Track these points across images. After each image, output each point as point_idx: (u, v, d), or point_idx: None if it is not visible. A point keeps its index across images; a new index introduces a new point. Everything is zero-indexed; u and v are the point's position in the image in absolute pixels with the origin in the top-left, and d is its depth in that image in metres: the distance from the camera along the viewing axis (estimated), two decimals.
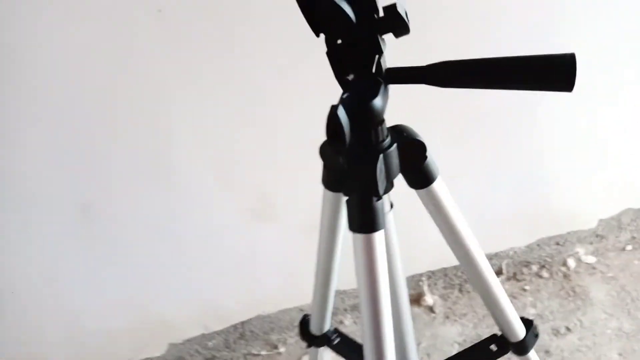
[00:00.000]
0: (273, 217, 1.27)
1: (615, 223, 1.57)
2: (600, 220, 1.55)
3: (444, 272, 1.54)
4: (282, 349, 1.46)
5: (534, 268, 1.57)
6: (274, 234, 1.30)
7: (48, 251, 1.22)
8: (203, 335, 1.43)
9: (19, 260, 1.22)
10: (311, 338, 0.67)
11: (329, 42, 0.37)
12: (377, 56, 0.40)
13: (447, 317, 1.50)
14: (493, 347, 0.60)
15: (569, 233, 1.55)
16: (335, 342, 0.66)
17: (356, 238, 0.42)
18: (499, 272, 1.57)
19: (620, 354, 1.30)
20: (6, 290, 1.25)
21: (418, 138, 0.44)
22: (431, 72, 0.40)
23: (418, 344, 1.42)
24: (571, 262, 1.57)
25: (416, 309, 1.54)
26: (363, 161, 0.41)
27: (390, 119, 0.44)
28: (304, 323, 0.68)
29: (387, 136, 0.42)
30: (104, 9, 0.98)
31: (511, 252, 1.56)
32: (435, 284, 1.56)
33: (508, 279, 1.57)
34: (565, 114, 1.33)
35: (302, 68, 1.06)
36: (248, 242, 1.29)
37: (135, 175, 1.17)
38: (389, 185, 0.45)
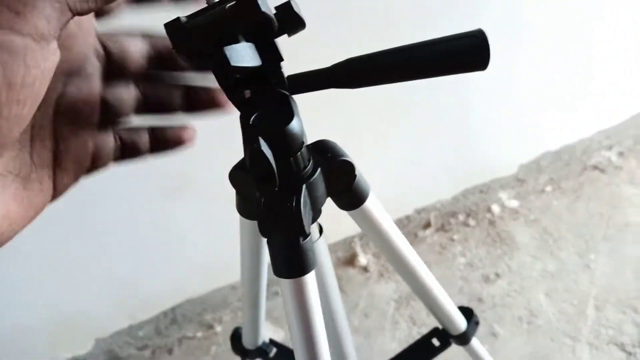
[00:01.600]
0: (189, 193, 1.18)
1: (535, 166, 1.61)
2: (521, 165, 1.59)
3: None
4: (218, 328, 1.41)
5: (461, 217, 1.60)
6: (192, 211, 1.21)
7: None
8: (131, 326, 1.34)
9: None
10: (244, 352, 0.62)
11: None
12: (278, 64, 0.33)
13: (382, 275, 1.51)
14: (435, 342, 0.58)
15: (491, 181, 1.58)
16: (272, 353, 0.62)
17: (283, 283, 0.36)
18: (427, 225, 1.59)
19: (546, 294, 1.36)
20: None
21: (345, 157, 0.38)
22: (337, 73, 0.33)
23: (355, 306, 1.42)
24: (495, 208, 1.61)
25: (351, 270, 1.53)
26: (283, 198, 0.34)
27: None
28: (236, 336, 0.63)
29: (308, 161, 0.36)
30: None
31: (438, 205, 1.57)
32: (368, 244, 1.55)
33: (437, 230, 1.59)
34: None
35: None
36: (167, 223, 1.20)
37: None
38: (317, 214, 0.39)
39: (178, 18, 0.30)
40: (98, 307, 1.29)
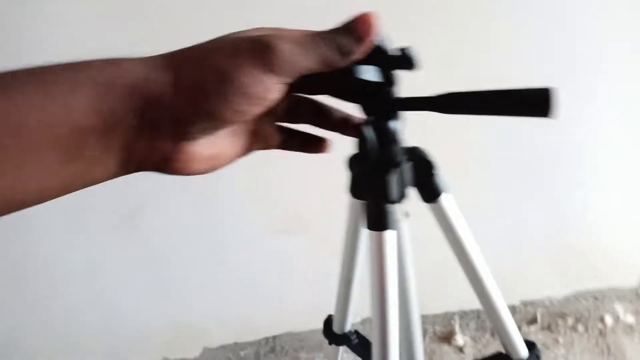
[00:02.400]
0: (305, 232, 1.35)
1: None
2: None
3: (477, 313, 1.56)
4: None
5: (570, 321, 1.56)
6: (305, 251, 1.37)
7: (96, 253, 1.35)
8: (236, 344, 1.51)
9: (69, 259, 1.36)
10: (332, 336, 0.74)
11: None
12: (391, 88, 0.49)
13: None
14: None
15: (608, 288, 1.54)
16: (354, 342, 0.73)
17: (370, 235, 0.49)
18: (533, 321, 1.57)
19: None
20: (55, 285, 1.38)
21: (428, 158, 0.52)
22: (437, 102, 0.48)
23: None
24: (608, 319, 1.55)
25: (446, 347, 1.56)
26: (380, 171, 0.49)
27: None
28: (328, 322, 0.75)
29: (403, 154, 0.50)
30: None
31: (547, 302, 1.56)
32: (467, 325, 1.58)
33: (542, 328, 1.57)
34: (612, 158, 1.35)
35: None
36: (280, 258, 1.37)
37: (179, 187, 1.28)
38: (402, 196, 0.53)
39: None
40: (213, 321, 1.48)
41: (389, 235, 0.49)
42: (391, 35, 0.50)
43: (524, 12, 1.17)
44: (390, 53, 0.47)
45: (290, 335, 1.52)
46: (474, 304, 1.52)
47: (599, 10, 1.18)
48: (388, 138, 0.49)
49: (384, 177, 0.49)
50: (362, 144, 0.47)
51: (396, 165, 0.49)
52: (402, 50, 0.48)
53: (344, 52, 0.35)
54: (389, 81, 0.49)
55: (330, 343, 0.74)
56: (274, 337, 1.52)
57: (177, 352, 1.52)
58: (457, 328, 1.57)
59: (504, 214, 1.40)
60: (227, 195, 1.31)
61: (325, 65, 0.34)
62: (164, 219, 1.33)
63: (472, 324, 1.58)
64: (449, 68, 1.14)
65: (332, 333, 0.73)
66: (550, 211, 1.41)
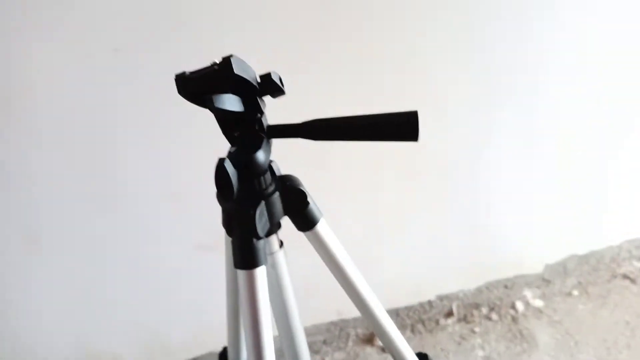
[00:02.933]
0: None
1: (561, 268, 1.63)
2: (547, 265, 1.61)
3: (396, 312, 1.59)
4: None
5: (484, 310, 1.62)
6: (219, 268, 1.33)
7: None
8: None
9: None
10: None
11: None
12: (258, 115, 0.47)
13: None
14: None
15: (516, 276, 1.61)
16: None
17: (239, 273, 0.47)
18: (449, 314, 1.62)
19: None
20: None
21: (300, 187, 0.50)
22: (305, 129, 0.47)
23: None
24: (519, 305, 1.62)
25: (369, 349, 1.57)
26: (245, 206, 0.47)
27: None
28: (224, 354, 0.73)
29: (270, 184, 0.49)
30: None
31: (461, 294, 1.61)
32: None
33: (459, 320, 1.61)
34: (510, 161, 1.41)
35: None
36: (197, 276, 1.33)
37: (86, 201, 1.21)
38: (274, 227, 0.51)
39: (184, 72, 0.45)
40: (124, 348, 1.41)
41: (258, 272, 0.47)
42: (257, 63, 0.48)
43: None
44: (251, 80, 0.46)
45: (212, 356, 1.47)
46: (392, 304, 1.55)
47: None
48: (252, 170, 0.47)
49: (248, 213, 0.47)
50: (222, 179, 0.45)
51: (261, 198, 0.48)
52: (266, 76, 0.47)
53: None
54: (255, 109, 0.48)
55: None
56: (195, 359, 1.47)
57: None
58: None
59: (417, 217, 1.43)
60: (140, 206, 1.25)
61: None
62: (70, 235, 1.25)
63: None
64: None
65: None
66: (459, 213, 1.45)
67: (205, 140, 1.09)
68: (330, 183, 1.29)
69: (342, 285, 0.56)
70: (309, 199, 0.51)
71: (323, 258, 0.54)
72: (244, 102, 0.47)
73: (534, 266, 1.61)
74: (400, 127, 0.46)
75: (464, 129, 1.32)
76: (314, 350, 1.57)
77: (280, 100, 0.49)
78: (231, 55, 0.43)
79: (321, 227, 0.52)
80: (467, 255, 1.54)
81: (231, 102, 0.45)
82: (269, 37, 1.12)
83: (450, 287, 1.60)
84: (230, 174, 0.44)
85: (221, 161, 0.44)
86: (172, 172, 1.22)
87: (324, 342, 1.58)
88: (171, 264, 1.33)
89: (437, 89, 1.26)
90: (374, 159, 1.30)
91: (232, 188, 0.45)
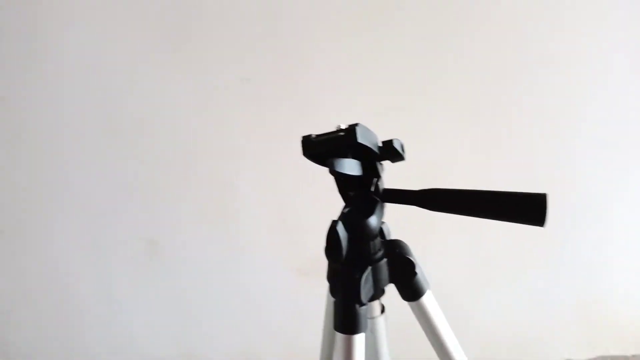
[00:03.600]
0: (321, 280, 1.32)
1: None
2: None
3: None
4: None
5: None
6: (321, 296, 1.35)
7: (116, 278, 1.38)
8: None
9: (89, 283, 1.38)
10: None
11: None
12: (375, 179, 0.47)
13: None
14: None
15: (634, 356, 1.45)
16: None
17: (337, 336, 0.47)
18: None
19: None
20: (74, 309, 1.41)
21: (409, 256, 0.49)
22: (422, 197, 0.46)
23: None
24: None
25: None
26: (351, 270, 0.47)
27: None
28: None
29: (379, 250, 0.48)
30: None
31: None
32: None
33: None
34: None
35: None
36: (294, 300, 1.35)
37: (201, 221, 1.30)
38: (378, 293, 0.50)
39: (310, 135, 0.47)
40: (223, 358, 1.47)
41: (357, 338, 0.47)
42: (378, 125, 0.49)
43: None
44: (372, 147, 0.46)
45: None
46: (491, 356, 1.46)
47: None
48: (363, 234, 0.46)
49: (354, 278, 0.46)
50: (332, 241, 0.45)
51: (369, 264, 0.47)
52: (388, 142, 0.47)
53: None
54: (373, 173, 0.48)
55: None
56: None
57: None
58: None
59: (528, 270, 1.35)
60: (248, 229, 1.32)
61: None
62: (185, 252, 1.34)
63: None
64: None
65: None
66: (577, 272, 1.35)
67: (318, 175, 1.13)
68: (434, 231, 1.26)
69: (440, 358, 0.54)
70: (417, 270, 0.49)
71: (424, 329, 0.52)
72: (363, 166, 0.47)
73: None
74: (527, 210, 0.43)
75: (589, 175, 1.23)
76: None
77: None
78: (357, 124, 0.44)
79: (427, 299, 0.51)
80: (581, 322, 1.42)
81: (350, 166, 0.45)
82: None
83: (557, 353, 1.47)
84: (341, 238, 0.44)
85: (334, 224, 0.44)
86: (282, 201, 1.27)
87: None
88: (270, 286, 1.37)
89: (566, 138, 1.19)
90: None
91: (342, 251, 0.45)
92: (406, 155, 0.48)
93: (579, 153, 1.24)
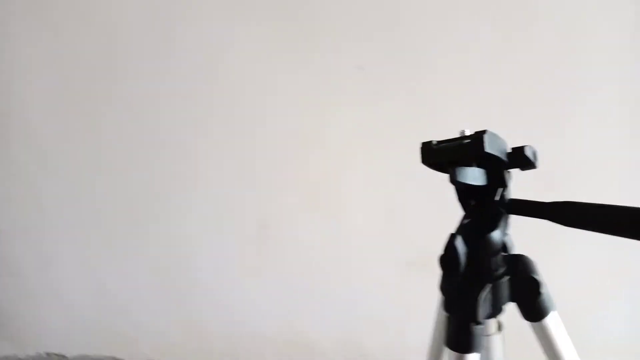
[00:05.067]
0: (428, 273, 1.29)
1: None
2: None
3: None
4: None
5: None
6: (426, 290, 1.32)
7: (229, 257, 1.45)
8: None
9: (207, 259, 1.47)
10: None
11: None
12: (500, 189, 0.43)
13: None
14: None
15: None
16: None
17: (448, 352, 0.45)
18: None
19: None
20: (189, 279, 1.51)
21: (534, 275, 0.45)
22: (553, 210, 0.42)
23: None
24: None
25: None
26: (469, 287, 0.44)
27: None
28: None
29: (500, 266, 0.44)
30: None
31: None
32: None
33: None
34: None
35: None
36: (399, 293, 1.33)
37: (311, 209, 1.33)
38: (496, 311, 0.46)
39: (431, 141, 0.44)
40: (320, 340, 1.49)
41: (470, 358, 0.44)
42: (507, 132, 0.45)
43: None
44: (500, 156, 0.42)
45: None
46: None
47: None
48: (484, 250, 0.43)
49: (472, 295, 0.43)
50: (450, 256, 0.42)
51: (488, 282, 0.44)
52: (519, 150, 0.43)
53: None
54: (499, 182, 0.44)
55: None
56: None
57: None
58: None
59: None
60: (356, 219, 1.32)
61: None
62: (293, 238, 1.39)
63: None
64: None
65: None
66: None
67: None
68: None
69: None
70: (542, 290, 0.45)
71: (546, 352, 0.48)
72: (488, 175, 0.43)
73: None
74: None
75: None
76: None
77: None
78: (485, 131, 0.40)
79: (551, 320, 0.46)
80: None
81: (474, 176, 0.42)
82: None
83: None
84: (459, 254, 0.41)
85: (452, 237, 0.42)
86: (390, 192, 1.25)
87: None
88: (375, 276, 1.36)
89: None
90: None
91: (460, 267, 0.42)
92: (539, 163, 0.44)
93: None
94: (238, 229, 1.41)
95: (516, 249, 0.49)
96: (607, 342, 1.27)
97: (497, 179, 0.44)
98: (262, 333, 1.54)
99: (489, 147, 0.40)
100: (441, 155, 0.42)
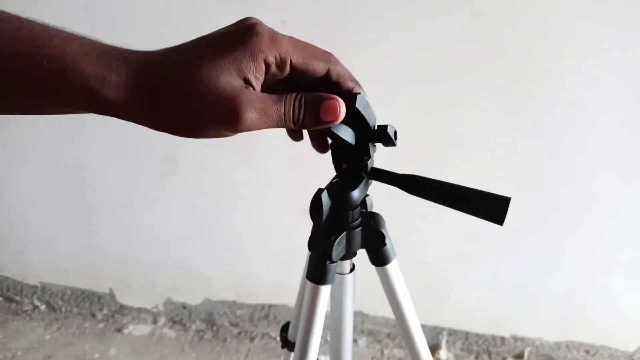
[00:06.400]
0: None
1: None
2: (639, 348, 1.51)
3: (466, 335, 1.60)
4: None
5: None
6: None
7: (135, 184, 1.49)
8: (234, 302, 1.62)
9: (111, 183, 1.50)
10: (286, 342, 0.81)
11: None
12: (365, 158, 0.53)
13: None
14: None
15: (602, 346, 1.53)
16: None
17: (307, 284, 0.55)
18: (519, 356, 1.59)
19: None
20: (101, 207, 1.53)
21: (381, 229, 0.56)
22: (404, 181, 0.52)
23: None
24: None
25: None
26: (327, 232, 0.54)
27: None
28: (285, 328, 0.83)
29: (357, 219, 0.55)
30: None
31: (538, 342, 1.57)
32: (454, 343, 1.62)
33: None
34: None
35: None
36: (291, 236, 1.44)
37: (221, 146, 1.38)
38: (350, 255, 0.57)
39: None
40: (216, 275, 1.59)
41: (323, 288, 0.55)
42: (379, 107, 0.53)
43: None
44: (368, 122, 0.50)
45: (285, 308, 1.61)
46: (464, 326, 1.56)
47: None
48: (343, 204, 0.53)
49: (329, 239, 0.53)
50: (315, 206, 0.51)
51: (344, 230, 0.54)
52: (382, 127, 0.52)
53: (301, 125, 0.39)
54: (365, 151, 0.53)
55: (282, 347, 0.82)
56: (270, 306, 1.62)
57: (179, 296, 1.65)
58: (443, 343, 1.62)
59: (517, 248, 1.41)
60: (264, 163, 1.40)
61: (280, 126, 0.40)
62: (200, 171, 1.44)
63: (459, 344, 1.62)
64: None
65: (286, 339, 0.81)
66: (567, 263, 1.41)
67: None
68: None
69: (397, 321, 0.62)
70: (387, 241, 0.56)
71: (386, 293, 0.60)
72: (357, 139, 0.51)
73: (626, 343, 1.52)
74: (490, 209, 0.49)
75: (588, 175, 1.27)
76: (376, 339, 1.64)
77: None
78: (359, 93, 0.48)
79: (392, 267, 0.58)
80: (559, 306, 1.50)
81: (345, 132, 0.49)
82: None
83: (529, 331, 1.56)
84: (323, 205, 0.50)
85: (319, 192, 0.51)
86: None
87: (388, 335, 1.64)
88: (272, 218, 1.47)
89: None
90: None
91: (322, 216, 0.51)
92: (397, 142, 0.53)
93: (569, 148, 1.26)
94: (147, 159, 1.44)
95: (374, 208, 0.59)
96: None
97: (363, 145, 0.52)
98: (158, 260, 1.60)
99: (359, 105, 0.47)
100: None
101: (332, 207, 0.52)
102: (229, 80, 0.37)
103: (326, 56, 0.43)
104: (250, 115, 0.37)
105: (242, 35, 0.38)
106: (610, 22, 1.11)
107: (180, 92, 0.36)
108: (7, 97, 0.35)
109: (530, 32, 1.14)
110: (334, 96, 0.41)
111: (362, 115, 0.48)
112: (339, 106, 0.40)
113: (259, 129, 0.39)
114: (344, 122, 0.47)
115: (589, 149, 1.24)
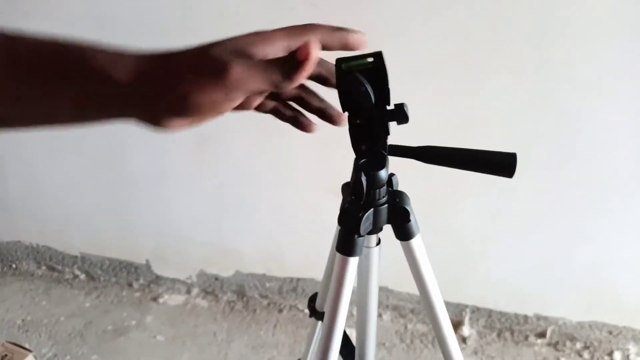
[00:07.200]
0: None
1: None
2: None
3: (489, 313, 1.63)
4: None
5: (578, 345, 1.59)
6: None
7: (168, 162, 1.55)
8: (264, 275, 1.68)
9: (146, 163, 1.56)
10: (314, 312, 0.86)
11: (351, 122, 0.53)
12: (386, 136, 0.56)
13: (475, 353, 1.60)
14: None
15: (626, 327, 1.54)
16: None
17: (337, 255, 0.59)
18: (541, 335, 1.62)
19: None
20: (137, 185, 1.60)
21: (406, 206, 0.60)
22: (419, 152, 0.56)
23: None
24: (617, 356, 1.56)
25: None
26: (357, 208, 0.58)
27: None
28: (313, 298, 0.88)
29: (383, 197, 0.58)
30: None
31: (561, 322, 1.59)
32: (477, 320, 1.65)
33: (549, 344, 1.61)
34: None
35: None
36: (321, 214, 1.48)
37: (253, 127, 1.42)
38: (376, 229, 0.61)
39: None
40: (248, 250, 1.66)
41: (351, 260, 0.59)
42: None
43: None
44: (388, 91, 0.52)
45: (313, 282, 1.67)
46: (488, 304, 1.59)
47: None
48: (372, 184, 0.57)
49: (357, 215, 0.57)
50: (357, 189, 0.55)
51: (371, 207, 0.58)
52: (400, 105, 0.55)
53: (290, 77, 0.40)
54: (384, 130, 0.56)
55: (310, 316, 0.87)
56: (298, 279, 1.68)
57: (212, 268, 1.72)
58: (466, 320, 1.65)
59: (543, 228, 1.43)
60: (296, 147, 1.45)
61: (272, 87, 0.40)
62: (232, 149, 1.50)
63: (482, 321, 1.65)
64: None
65: (314, 309, 0.86)
66: (594, 239, 1.43)
67: None
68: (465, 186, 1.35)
69: (420, 294, 0.65)
70: (411, 217, 0.60)
71: (410, 267, 0.64)
72: (375, 99, 0.52)
73: None
74: (500, 165, 0.53)
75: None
76: (401, 314, 1.69)
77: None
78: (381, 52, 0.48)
79: (415, 242, 0.62)
80: (583, 286, 1.51)
81: (367, 89, 0.51)
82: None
83: (553, 310, 1.58)
84: (364, 187, 0.55)
85: (359, 176, 0.54)
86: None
87: (412, 310, 1.69)
88: (303, 199, 1.51)
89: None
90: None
91: (363, 197, 0.56)
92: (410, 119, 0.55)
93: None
94: (181, 141, 1.49)
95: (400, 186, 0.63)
96: None
97: (384, 128, 0.55)
98: (191, 237, 1.68)
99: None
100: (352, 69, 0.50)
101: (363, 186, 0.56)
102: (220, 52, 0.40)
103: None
104: (237, 68, 0.38)
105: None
106: (635, 5, 1.10)
107: (180, 59, 0.39)
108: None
109: (553, 17, 1.14)
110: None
111: (384, 70, 0.48)
112: (308, 46, 0.39)
113: (248, 87, 0.39)
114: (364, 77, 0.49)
115: (615, 125, 1.25)
